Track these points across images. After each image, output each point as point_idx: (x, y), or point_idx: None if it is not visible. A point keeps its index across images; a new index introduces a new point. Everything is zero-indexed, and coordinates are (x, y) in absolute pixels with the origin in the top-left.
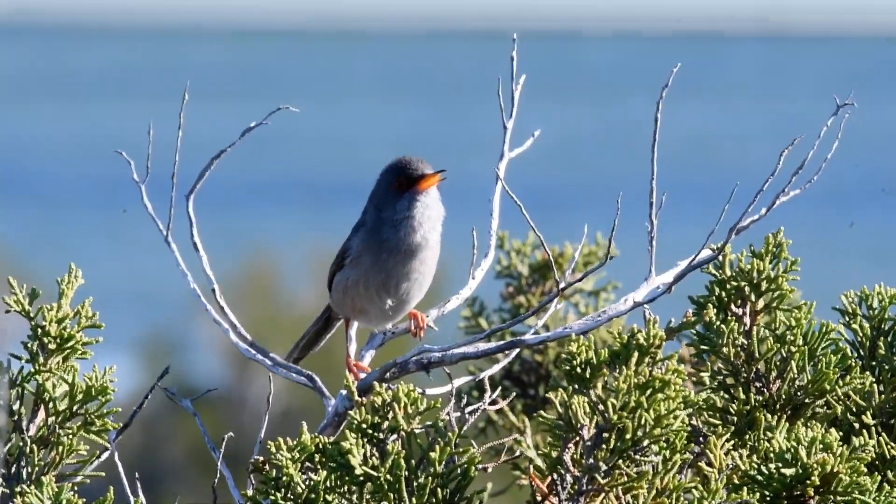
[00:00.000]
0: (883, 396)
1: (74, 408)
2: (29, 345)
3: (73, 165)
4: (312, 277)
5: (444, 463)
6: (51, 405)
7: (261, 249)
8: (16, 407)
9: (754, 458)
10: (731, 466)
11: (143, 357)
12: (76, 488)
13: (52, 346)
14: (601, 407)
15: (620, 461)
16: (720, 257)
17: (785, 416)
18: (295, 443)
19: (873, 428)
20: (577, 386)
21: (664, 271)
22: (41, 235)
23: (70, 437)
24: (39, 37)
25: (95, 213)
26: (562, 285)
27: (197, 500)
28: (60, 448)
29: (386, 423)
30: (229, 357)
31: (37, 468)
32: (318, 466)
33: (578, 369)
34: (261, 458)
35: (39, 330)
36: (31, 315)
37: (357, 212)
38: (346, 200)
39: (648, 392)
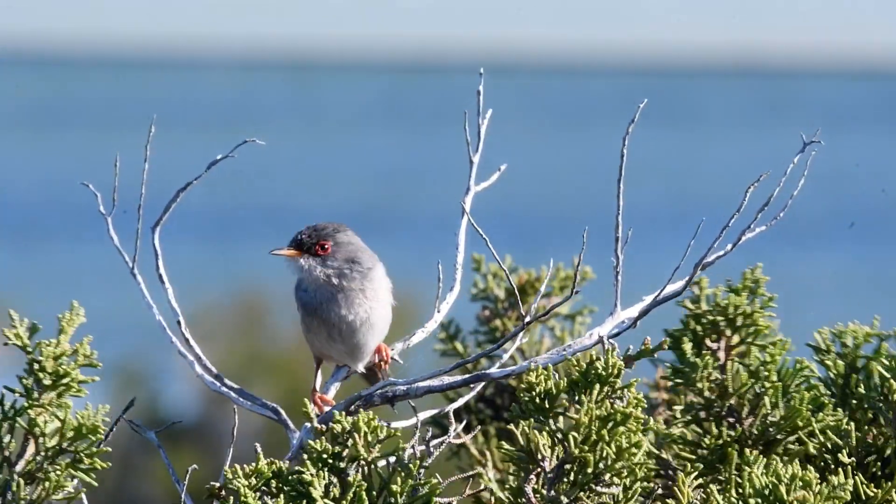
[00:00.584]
0: (858, 434)
1: (64, 444)
2: (24, 379)
3: (42, 196)
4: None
5: (406, 495)
6: (41, 441)
7: (243, 282)
8: (6, 441)
9: (727, 494)
10: (698, 501)
11: (116, 388)
12: None
13: (47, 382)
14: (562, 438)
15: (582, 493)
16: (694, 291)
17: (757, 451)
18: (251, 469)
19: (850, 467)
20: (537, 415)
21: (630, 305)
22: (10, 266)
23: (58, 473)
24: (4, 68)
25: (66, 242)
26: (527, 319)
27: None
28: (47, 484)
29: (346, 452)
30: (203, 390)
31: (22, 503)
32: (277, 492)
33: (538, 399)
34: (217, 485)
35: (36, 365)
36: (30, 349)
37: None
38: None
39: (609, 425)
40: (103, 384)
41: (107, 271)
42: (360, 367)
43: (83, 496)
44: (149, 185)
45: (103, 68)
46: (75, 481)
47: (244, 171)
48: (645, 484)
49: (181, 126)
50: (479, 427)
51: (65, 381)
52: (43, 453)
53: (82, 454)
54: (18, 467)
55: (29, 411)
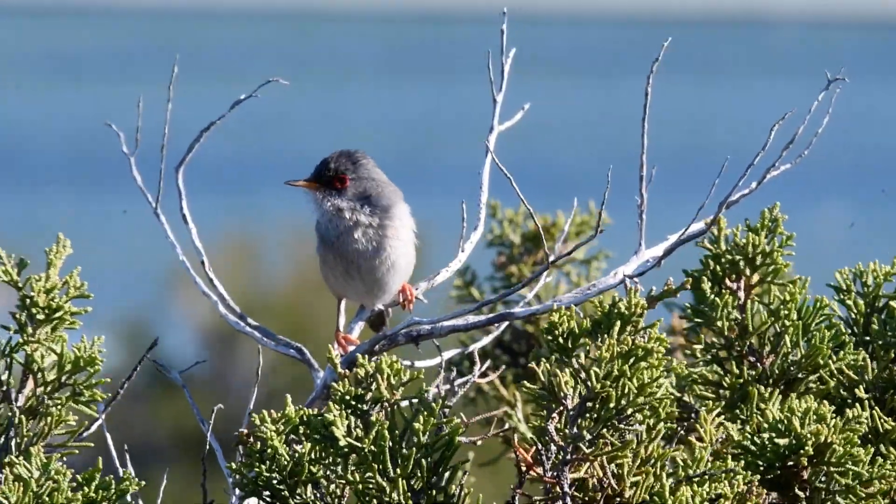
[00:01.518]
0: (876, 372)
1: (63, 378)
2: (17, 315)
3: (55, 145)
4: (295, 256)
5: (428, 434)
6: (39, 376)
7: (248, 227)
8: (4, 377)
9: (747, 430)
10: (722, 438)
11: (122, 335)
12: (65, 459)
13: (40, 317)
14: (584, 376)
15: (604, 430)
16: (713, 231)
17: (778, 390)
18: (279, 415)
19: (866, 402)
20: (560, 356)
21: (654, 245)
22: (22, 214)
23: (59, 407)
24: (21, 18)
25: (71, 193)
26: (552, 258)
27: (179, 478)
28: (49, 419)
29: (369, 395)
30: (211, 338)
31: (25, 439)
32: (303, 438)
33: (561, 339)
34: (245, 431)
35: (28, 300)
36: (20, 285)
37: None
38: None
39: (631, 360)
40: (108, 333)
41: (112, 224)
42: (379, 306)
43: (104, 427)
44: (170, 129)
45: (120, 18)
46: (88, 424)
47: (263, 117)
48: (668, 424)
49: (199, 75)
50: (504, 367)
51: (58, 314)
52: (42, 388)
53: (81, 387)
54: (19, 403)
55: (25, 347)
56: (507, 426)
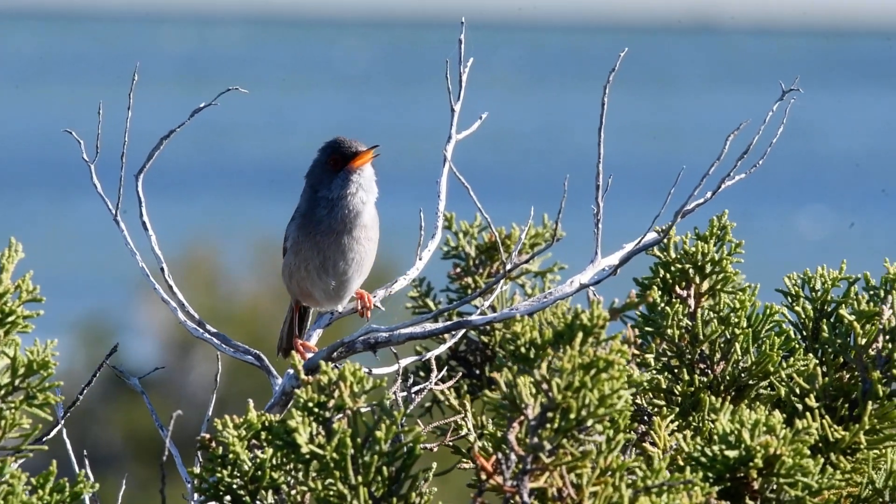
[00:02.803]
0: (826, 379)
1: (16, 382)
2: None
3: (14, 150)
4: (256, 265)
5: (389, 442)
6: None
7: (203, 235)
8: None
9: (698, 439)
10: (675, 447)
11: (83, 338)
12: (19, 462)
13: None
14: (545, 386)
15: (565, 440)
16: (665, 240)
17: (729, 397)
18: (241, 421)
19: (817, 410)
20: (521, 366)
21: (610, 254)
22: None
23: (12, 411)
24: None
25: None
26: (508, 266)
27: (134, 482)
28: (3, 422)
29: (332, 402)
30: (167, 345)
31: None
32: (265, 444)
33: (523, 349)
34: (207, 436)
35: None
36: None
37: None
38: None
39: (592, 372)
40: (67, 338)
41: (71, 230)
42: (340, 308)
43: (63, 432)
44: (131, 135)
45: (84, 22)
46: (48, 430)
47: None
48: (628, 435)
49: (161, 80)
50: (461, 374)
51: (10, 318)
52: None
53: (35, 390)
54: None
55: None
56: (463, 434)
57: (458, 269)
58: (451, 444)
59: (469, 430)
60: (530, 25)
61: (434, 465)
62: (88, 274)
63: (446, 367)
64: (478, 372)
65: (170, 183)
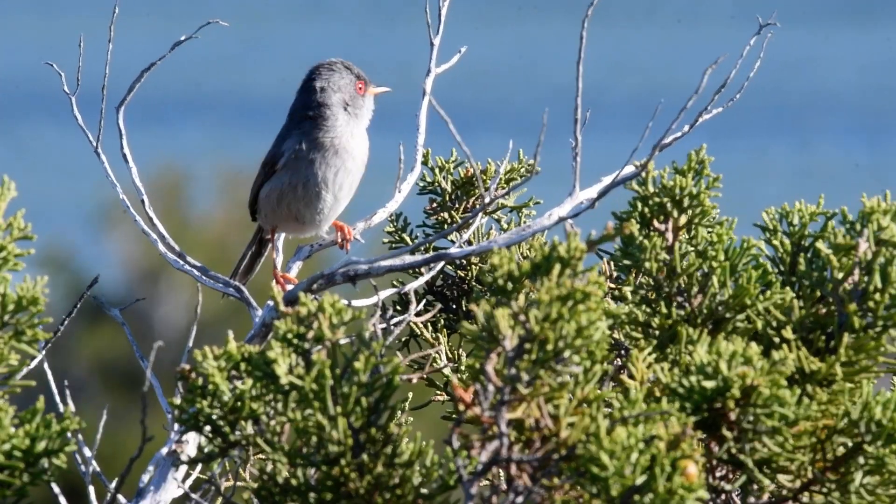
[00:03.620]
0: (803, 312)
1: (6, 318)
2: None
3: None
4: (223, 194)
5: (368, 373)
6: None
7: (172, 164)
8: None
9: (676, 371)
10: (652, 379)
11: (49, 269)
12: (6, 396)
13: None
14: (523, 318)
15: (542, 371)
16: (643, 174)
17: (706, 329)
18: (221, 352)
19: (794, 342)
20: (499, 298)
21: (588, 187)
22: None
23: (0, 346)
24: None
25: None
26: (486, 199)
27: (102, 411)
28: None
29: (311, 333)
30: (136, 276)
31: None
32: (244, 375)
33: (500, 281)
34: (187, 367)
35: None
36: None
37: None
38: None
39: (570, 304)
40: (35, 266)
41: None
42: (324, 232)
43: (45, 364)
44: (111, 67)
45: None
46: (28, 361)
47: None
48: (605, 367)
49: (141, 11)
50: (438, 308)
51: (1, 255)
52: None
53: (24, 326)
54: None
55: None
56: (436, 368)
57: (435, 205)
58: (426, 377)
59: (444, 363)
60: None
61: (410, 395)
62: (51, 204)
63: (424, 302)
64: (454, 307)
65: (146, 115)
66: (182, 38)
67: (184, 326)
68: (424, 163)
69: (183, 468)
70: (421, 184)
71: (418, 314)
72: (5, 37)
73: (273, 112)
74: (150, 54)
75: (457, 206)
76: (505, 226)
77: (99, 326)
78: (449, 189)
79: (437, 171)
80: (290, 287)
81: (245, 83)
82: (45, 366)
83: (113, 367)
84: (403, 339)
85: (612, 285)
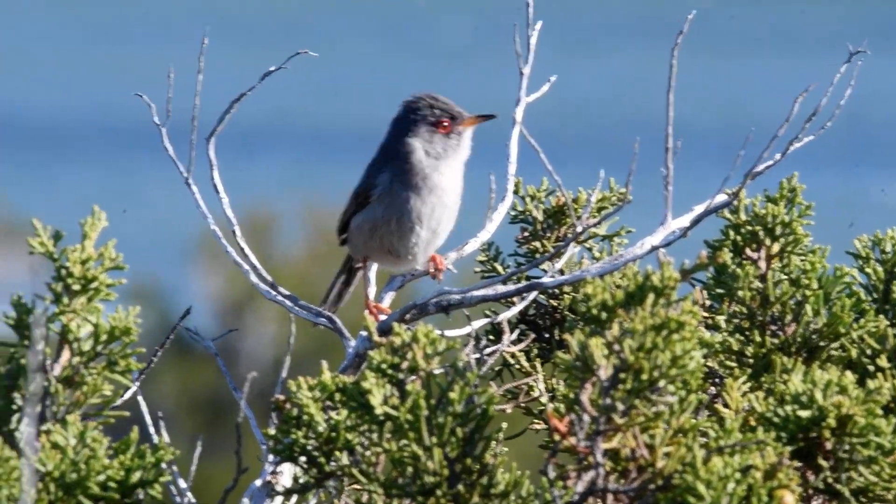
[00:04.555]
0: None
1: (98, 348)
2: (53, 286)
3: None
4: (306, 227)
5: (463, 403)
6: (75, 345)
7: (256, 196)
8: (41, 347)
9: (770, 400)
10: (747, 408)
11: (134, 303)
12: (101, 427)
13: (76, 288)
14: (617, 347)
15: (637, 401)
16: (735, 202)
17: (801, 358)
18: (316, 382)
19: (888, 371)
20: (593, 327)
21: (680, 216)
22: (36, 179)
23: (94, 376)
24: None
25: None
26: (579, 228)
27: (187, 443)
28: (85, 388)
29: (405, 363)
30: (221, 308)
31: (62, 407)
32: (339, 406)
33: (594, 311)
34: (282, 398)
35: (63, 271)
36: (55, 256)
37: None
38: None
39: (664, 333)
40: (121, 301)
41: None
42: (419, 266)
43: (139, 396)
44: (195, 96)
45: None
46: (122, 393)
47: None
48: (700, 396)
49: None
50: (532, 336)
51: (93, 285)
52: (78, 357)
53: (117, 356)
54: (55, 372)
55: (61, 317)
56: (534, 396)
57: (526, 233)
58: (523, 405)
59: (541, 392)
60: None
61: (504, 425)
62: (138, 235)
63: (516, 331)
64: (547, 335)
65: (230, 146)
66: (271, 69)
67: (270, 358)
68: (515, 192)
69: (278, 499)
70: (512, 213)
71: (511, 344)
72: (96, 69)
73: (359, 144)
74: (239, 83)
75: (548, 234)
76: (597, 254)
77: (183, 358)
78: (540, 218)
79: (528, 199)
80: (383, 317)
81: (330, 114)
82: (139, 397)
83: (197, 399)
84: (497, 369)
85: (706, 314)
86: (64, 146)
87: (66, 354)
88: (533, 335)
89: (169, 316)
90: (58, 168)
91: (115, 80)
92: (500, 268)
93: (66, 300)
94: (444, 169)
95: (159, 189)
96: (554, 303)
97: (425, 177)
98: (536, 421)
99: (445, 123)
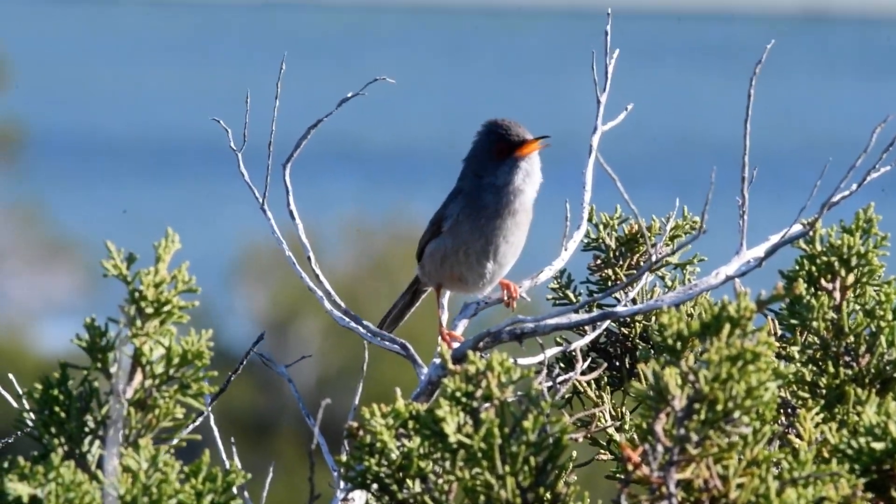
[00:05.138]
0: None
1: (171, 371)
2: (126, 308)
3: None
4: (353, 247)
5: (537, 432)
6: (147, 368)
7: (303, 215)
8: (113, 370)
9: (844, 431)
10: (820, 439)
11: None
12: (173, 450)
13: (149, 311)
14: (692, 378)
15: (711, 432)
16: (811, 232)
17: (874, 389)
18: (389, 409)
19: None
20: (667, 357)
21: (755, 246)
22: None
23: (167, 400)
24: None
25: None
26: (654, 258)
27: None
28: (157, 411)
29: (479, 392)
30: (263, 326)
31: (134, 431)
32: (412, 433)
33: (670, 340)
34: (355, 424)
35: (137, 294)
36: (129, 279)
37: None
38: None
39: (740, 364)
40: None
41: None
42: (488, 291)
43: (211, 419)
44: (272, 122)
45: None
46: (195, 417)
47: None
48: (774, 427)
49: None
50: (605, 365)
51: (166, 308)
52: (151, 381)
53: (189, 380)
54: (128, 395)
55: (134, 340)
56: (601, 427)
57: (599, 261)
58: (589, 436)
59: (607, 421)
60: (662, 12)
61: (574, 454)
62: (198, 256)
63: (588, 359)
64: (618, 364)
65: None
66: (349, 95)
67: (313, 380)
68: (589, 219)
69: None
70: (585, 240)
71: (583, 372)
72: (174, 91)
73: (422, 164)
74: (315, 107)
75: (621, 262)
76: (669, 283)
77: (222, 376)
78: (613, 246)
79: (601, 227)
80: (456, 345)
81: (400, 134)
82: (211, 421)
83: (240, 420)
84: (567, 397)
85: (778, 344)
86: (124, 164)
87: (138, 377)
88: (605, 364)
89: (218, 337)
90: (110, 186)
91: (197, 100)
92: (572, 295)
93: (139, 323)
94: (509, 200)
95: (198, 209)
96: (625, 331)
97: (492, 210)
98: (603, 451)
99: (509, 150)
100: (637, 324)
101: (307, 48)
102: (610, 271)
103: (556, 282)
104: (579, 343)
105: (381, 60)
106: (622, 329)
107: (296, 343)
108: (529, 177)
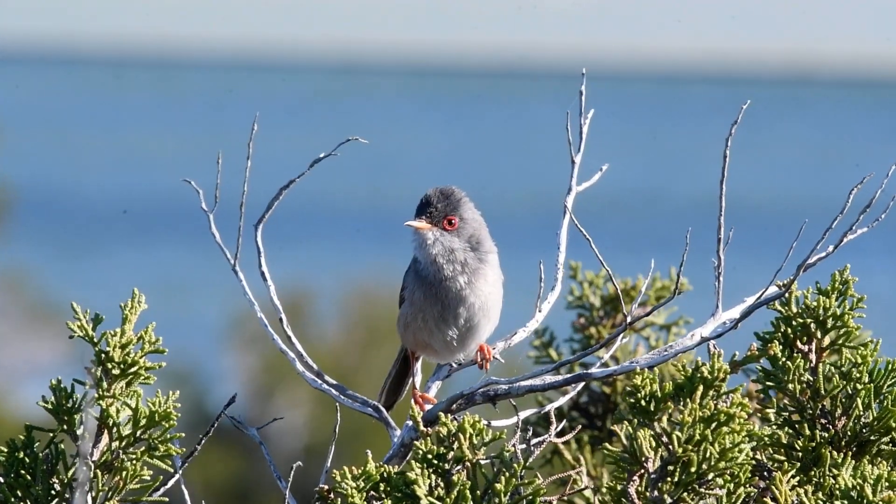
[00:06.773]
0: None
1: (138, 433)
2: (92, 370)
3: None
4: (342, 313)
5: (509, 494)
6: (115, 430)
7: (293, 280)
8: (79, 432)
9: (820, 494)
10: (796, 502)
11: (170, 385)
12: None
13: (115, 372)
14: (666, 440)
15: (685, 494)
16: (787, 294)
17: (851, 452)
18: (360, 472)
19: None
20: (641, 419)
21: (731, 307)
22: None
23: (134, 462)
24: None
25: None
26: (629, 319)
27: None
28: (124, 473)
29: (451, 454)
30: (252, 392)
31: (101, 493)
32: (384, 496)
33: (643, 402)
34: (326, 487)
35: (103, 355)
36: (95, 340)
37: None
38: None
39: (713, 425)
40: (159, 382)
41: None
42: (460, 358)
43: (182, 483)
44: (244, 182)
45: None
46: (164, 479)
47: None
48: (748, 489)
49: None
50: (580, 427)
51: (133, 369)
52: (118, 442)
53: (156, 441)
54: (94, 458)
55: (100, 402)
56: (583, 487)
57: (583, 320)
58: (565, 497)
59: (584, 483)
60: (634, 76)
61: None
62: (178, 318)
63: (567, 419)
64: (599, 423)
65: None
66: (321, 156)
67: (298, 444)
68: (573, 277)
69: None
70: (570, 298)
71: (562, 433)
72: (143, 154)
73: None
74: (288, 167)
75: (605, 321)
76: (653, 343)
77: (207, 442)
78: (597, 304)
79: (585, 285)
80: (429, 407)
81: (376, 197)
82: (182, 485)
83: (220, 484)
84: (547, 457)
85: (758, 406)
86: (104, 229)
87: (105, 439)
88: (581, 425)
89: (203, 399)
90: (94, 252)
91: (167, 163)
92: (554, 353)
93: (105, 384)
94: (460, 267)
95: (192, 271)
96: (606, 390)
97: (440, 278)
98: None
99: (453, 220)
100: (618, 383)
101: (288, 108)
102: (594, 330)
103: (538, 339)
104: (555, 404)
105: (362, 121)
106: (603, 388)
107: (284, 406)
108: (452, 245)
